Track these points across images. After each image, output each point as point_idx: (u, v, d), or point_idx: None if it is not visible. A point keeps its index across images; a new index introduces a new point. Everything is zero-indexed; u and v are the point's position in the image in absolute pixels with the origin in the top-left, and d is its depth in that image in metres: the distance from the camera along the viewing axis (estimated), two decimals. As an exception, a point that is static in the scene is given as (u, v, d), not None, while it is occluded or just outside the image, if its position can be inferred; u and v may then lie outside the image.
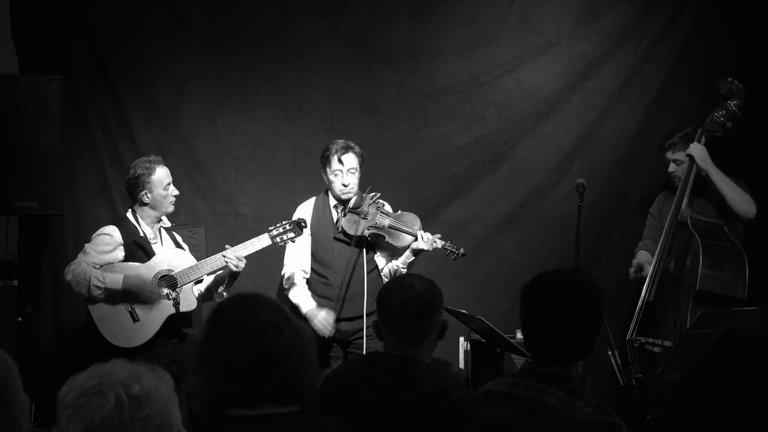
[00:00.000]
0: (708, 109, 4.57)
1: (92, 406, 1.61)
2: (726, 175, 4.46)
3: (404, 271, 4.44)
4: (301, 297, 4.49)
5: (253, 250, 4.35)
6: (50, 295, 4.98)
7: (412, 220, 4.40)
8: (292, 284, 4.52)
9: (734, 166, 4.63)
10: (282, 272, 4.57)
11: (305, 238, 4.49)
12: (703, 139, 4.47)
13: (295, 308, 4.45)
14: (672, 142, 4.60)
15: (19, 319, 4.58)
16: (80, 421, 1.61)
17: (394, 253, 4.50)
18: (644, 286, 4.44)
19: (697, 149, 4.44)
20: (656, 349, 4.29)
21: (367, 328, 4.37)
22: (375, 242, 4.46)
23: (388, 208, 4.49)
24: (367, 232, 4.38)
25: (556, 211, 5.18)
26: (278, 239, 4.33)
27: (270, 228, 4.34)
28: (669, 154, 4.62)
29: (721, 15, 5.14)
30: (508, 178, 5.25)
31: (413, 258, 4.43)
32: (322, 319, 4.41)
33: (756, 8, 5.07)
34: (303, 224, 4.32)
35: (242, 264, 4.31)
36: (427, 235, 4.34)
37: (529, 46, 5.22)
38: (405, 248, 4.40)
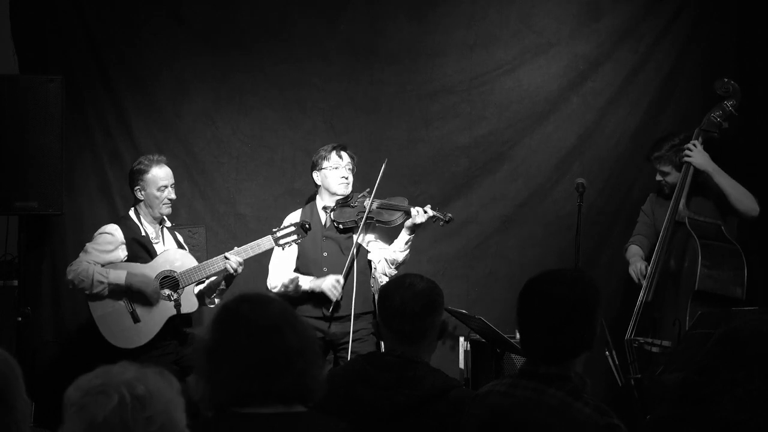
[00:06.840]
0: (708, 110, 4.57)
1: (96, 404, 1.62)
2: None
3: (403, 255, 4.45)
4: (297, 281, 4.44)
5: (257, 253, 4.34)
6: (50, 295, 4.97)
7: (401, 200, 4.47)
8: (283, 285, 4.46)
9: (733, 166, 4.62)
10: (268, 282, 4.52)
11: (293, 250, 4.48)
12: (700, 139, 4.44)
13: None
14: (658, 156, 4.54)
15: (19, 319, 4.56)
16: (84, 418, 1.62)
17: (388, 235, 4.51)
18: (642, 287, 4.44)
19: (695, 156, 4.40)
20: (655, 349, 4.29)
21: (354, 332, 4.35)
22: (368, 230, 4.47)
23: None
24: (357, 217, 4.40)
25: (556, 211, 5.19)
26: (282, 242, 4.30)
27: (274, 230, 4.33)
28: (656, 165, 4.57)
29: (721, 15, 5.14)
30: (508, 178, 5.25)
31: (410, 237, 4.43)
32: (329, 284, 4.37)
33: (756, 8, 5.07)
34: (307, 227, 4.30)
35: (241, 268, 4.29)
36: (418, 208, 4.36)
37: (529, 46, 5.22)
38: (398, 225, 4.41)
